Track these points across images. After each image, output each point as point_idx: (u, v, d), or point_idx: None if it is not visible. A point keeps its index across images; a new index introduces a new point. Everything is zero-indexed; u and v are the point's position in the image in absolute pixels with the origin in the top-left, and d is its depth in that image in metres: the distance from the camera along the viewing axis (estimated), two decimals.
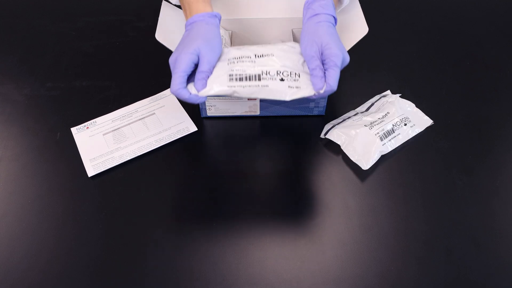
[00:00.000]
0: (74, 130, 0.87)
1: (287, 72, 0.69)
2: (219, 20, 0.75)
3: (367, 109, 0.89)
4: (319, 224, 0.74)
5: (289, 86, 0.68)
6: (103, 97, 0.93)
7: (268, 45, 0.73)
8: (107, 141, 0.85)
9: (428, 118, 0.87)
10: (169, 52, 0.78)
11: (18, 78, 0.98)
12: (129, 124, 0.88)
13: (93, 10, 1.14)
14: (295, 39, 0.93)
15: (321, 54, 0.68)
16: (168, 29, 0.82)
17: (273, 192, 0.78)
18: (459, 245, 0.71)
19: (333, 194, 0.77)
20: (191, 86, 0.69)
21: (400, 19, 1.12)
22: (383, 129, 0.81)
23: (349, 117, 0.87)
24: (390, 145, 0.81)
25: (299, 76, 0.69)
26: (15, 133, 0.87)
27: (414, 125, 0.84)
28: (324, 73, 0.67)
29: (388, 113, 0.83)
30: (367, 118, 0.84)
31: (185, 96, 0.68)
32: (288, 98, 0.67)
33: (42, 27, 1.10)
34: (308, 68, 0.69)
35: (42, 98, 0.93)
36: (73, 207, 0.76)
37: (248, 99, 0.85)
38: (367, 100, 0.91)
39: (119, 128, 0.87)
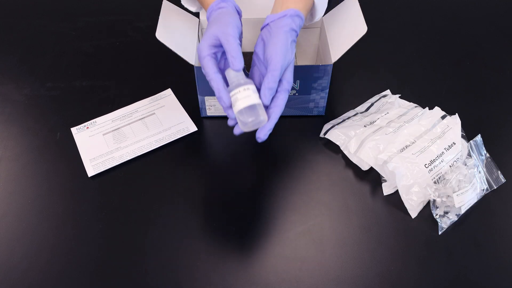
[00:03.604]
0: (74, 130, 0.87)
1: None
2: (232, 1, 0.72)
3: (367, 109, 0.89)
4: (319, 224, 0.74)
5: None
6: (103, 97, 0.93)
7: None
8: (107, 141, 0.85)
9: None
10: (169, 52, 0.78)
11: (18, 78, 0.98)
12: (129, 124, 0.88)
13: (93, 10, 1.14)
14: None
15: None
16: (169, 28, 0.82)
17: (273, 192, 0.78)
18: (459, 245, 0.71)
19: (333, 194, 0.77)
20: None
21: (400, 19, 1.12)
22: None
23: (348, 117, 0.87)
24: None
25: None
26: (15, 133, 0.87)
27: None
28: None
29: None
30: (367, 119, 0.84)
31: (209, 64, 0.65)
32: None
33: (42, 27, 1.10)
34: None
35: (42, 98, 0.93)
36: (73, 207, 0.76)
37: None
38: (367, 100, 0.91)
39: (119, 128, 0.87)
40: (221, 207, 0.76)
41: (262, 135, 0.64)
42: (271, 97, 0.65)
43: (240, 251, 0.71)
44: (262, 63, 0.69)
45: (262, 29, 0.71)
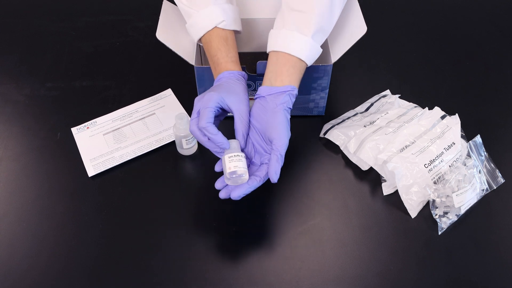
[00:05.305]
0: (74, 130, 0.87)
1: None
2: (245, 79, 0.75)
3: (367, 109, 0.89)
4: (319, 224, 0.74)
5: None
6: (103, 97, 0.93)
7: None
8: (107, 141, 0.85)
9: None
10: (169, 52, 0.79)
11: (18, 78, 0.98)
12: (129, 124, 0.88)
13: (93, 10, 1.14)
14: None
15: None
16: (169, 28, 0.82)
17: (273, 192, 0.78)
18: (459, 245, 0.71)
19: (333, 194, 0.77)
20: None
21: (400, 19, 1.12)
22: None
23: (348, 117, 0.87)
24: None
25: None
26: (15, 133, 0.87)
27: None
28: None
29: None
30: (367, 119, 0.84)
31: (213, 131, 0.67)
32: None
33: (42, 27, 1.10)
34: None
35: (42, 98, 0.93)
36: (73, 207, 0.76)
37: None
38: (367, 100, 0.91)
39: (119, 128, 0.87)
40: (220, 207, 0.76)
41: (236, 194, 0.66)
42: (278, 176, 0.67)
43: (240, 251, 0.71)
44: (258, 134, 0.71)
45: (255, 99, 0.73)
